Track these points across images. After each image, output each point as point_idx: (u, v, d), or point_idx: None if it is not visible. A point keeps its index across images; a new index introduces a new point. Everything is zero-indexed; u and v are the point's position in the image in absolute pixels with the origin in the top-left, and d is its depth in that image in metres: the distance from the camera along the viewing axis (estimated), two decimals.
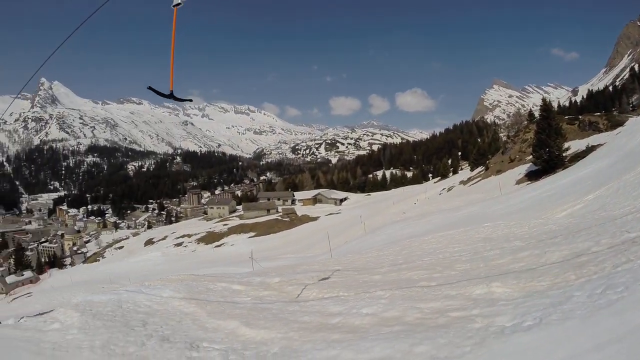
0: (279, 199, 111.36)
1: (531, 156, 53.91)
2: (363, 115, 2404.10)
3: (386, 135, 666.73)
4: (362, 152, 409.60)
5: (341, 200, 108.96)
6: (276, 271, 18.06)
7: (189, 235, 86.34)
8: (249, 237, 76.40)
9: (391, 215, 60.93)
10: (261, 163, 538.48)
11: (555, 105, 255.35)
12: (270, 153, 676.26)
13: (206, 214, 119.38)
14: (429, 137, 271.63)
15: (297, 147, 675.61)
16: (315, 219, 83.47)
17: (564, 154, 48.90)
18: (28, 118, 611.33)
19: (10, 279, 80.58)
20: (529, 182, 48.34)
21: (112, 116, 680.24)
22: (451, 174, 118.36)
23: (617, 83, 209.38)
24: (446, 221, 30.09)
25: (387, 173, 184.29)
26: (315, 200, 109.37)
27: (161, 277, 19.93)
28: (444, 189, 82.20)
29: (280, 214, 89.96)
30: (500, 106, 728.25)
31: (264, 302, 10.55)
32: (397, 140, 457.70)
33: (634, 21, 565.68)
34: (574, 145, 54.05)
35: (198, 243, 79.61)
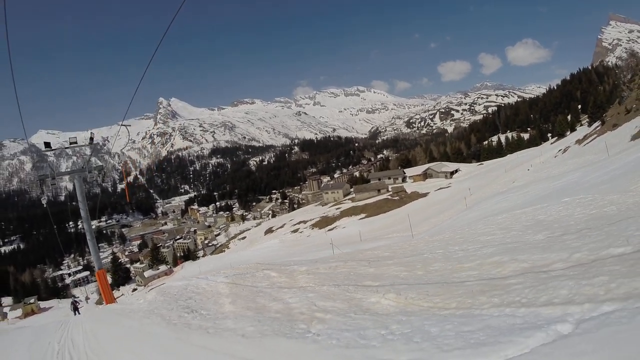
0: (389, 178, 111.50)
1: None
2: (475, 78, 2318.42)
3: (501, 96, 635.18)
4: (478, 117, 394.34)
5: (452, 173, 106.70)
6: (340, 257, 20.38)
7: (305, 222, 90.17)
8: (360, 219, 77.54)
9: (501, 185, 58.86)
10: (377, 142, 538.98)
11: None
12: (385, 130, 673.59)
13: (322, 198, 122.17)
14: (545, 91, 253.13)
15: (411, 120, 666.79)
16: (424, 195, 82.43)
17: None
18: (153, 134, 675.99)
19: (147, 273, 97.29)
20: None
21: (228, 119, 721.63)
22: (569, 132, 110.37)
23: None
24: (539, 194, 28.90)
25: (503, 137, 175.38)
26: (425, 175, 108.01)
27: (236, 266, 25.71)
28: (560, 150, 77.41)
29: (390, 193, 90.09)
30: (621, 45, 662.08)
31: (273, 287, 13.52)
32: (514, 100, 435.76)
33: None
34: None
35: (312, 228, 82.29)
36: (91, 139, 27.13)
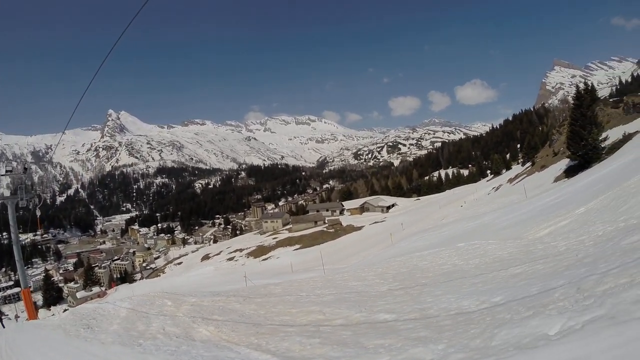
0: (327, 210, 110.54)
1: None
2: (424, 114, 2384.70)
3: (448, 132, 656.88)
4: (424, 152, 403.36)
5: (388, 207, 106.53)
6: (236, 292, 21.46)
7: (241, 250, 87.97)
8: (294, 250, 76.78)
9: (432, 222, 59.17)
10: (324, 171, 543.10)
11: (617, 82, 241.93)
12: (333, 161, 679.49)
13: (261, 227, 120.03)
14: (489, 130, 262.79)
15: (359, 152, 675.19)
16: (359, 228, 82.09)
17: (602, 145, 45.33)
18: (99, 147, 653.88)
19: (80, 294, 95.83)
20: (566, 178, 45.21)
21: (177, 138, 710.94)
22: (504, 170, 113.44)
23: None
24: (453, 234, 29.32)
25: (444, 173, 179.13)
26: (362, 209, 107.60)
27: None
28: (493, 188, 79.05)
29: (327, 225, 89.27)
30: (563, 88, 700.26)
31: (159, 314, 15.37)
32: (459, 136, 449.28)
33: None
34: (615, 134, 50.03)
35: (248, 257, 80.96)
36: (25, 168, 30.53)
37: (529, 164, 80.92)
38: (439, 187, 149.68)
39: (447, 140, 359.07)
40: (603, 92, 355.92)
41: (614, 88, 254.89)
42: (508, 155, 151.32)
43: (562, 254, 11.10)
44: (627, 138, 43.90)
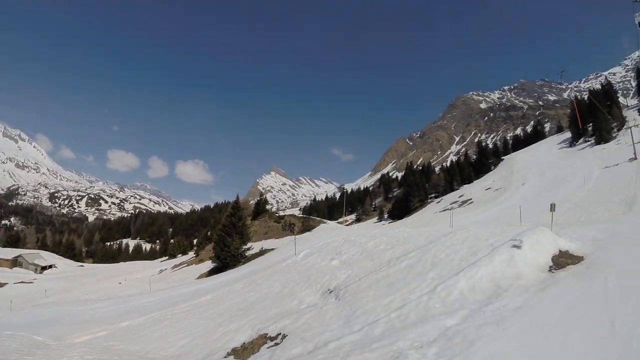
0: None
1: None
2: (139, 176, 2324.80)
3: (155, 202, 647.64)
4: (124, 214, 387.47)
5: (44, 268, 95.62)
6: None
7: None
8: None
9: (82, 294, 56.22)
10: (10, 203, 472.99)
11: (322, 197, 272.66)
12: (26, 194, 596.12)
13: None
14: (191, 210, 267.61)
15: (56, 194, 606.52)
16: (2, 285, 72.75)
17: (246, 254, 49.71)
18: None
19: None
20: (207, 276, 47.94)
21: None
22: (180, 255, 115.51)
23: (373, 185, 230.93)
24: (36, 319, 27.03)
25: (132, 243, 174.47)
26: (15, 262, 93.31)
27: None
28: (160, 270, 79.15)
29: None
30: (272, 192, 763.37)
31: None
32: (164, 209, 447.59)
33: (404, 138, 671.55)
34: (263, 246, 55.47)
35: None
36: None
37: (192, 255, 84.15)
38: (115, 256, 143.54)
39: (147, 210, 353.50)
40: (303, 203, 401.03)
41: (310, 201, 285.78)
42: (196, 240, 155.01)
43: None
44: (261, 253, 49.20)
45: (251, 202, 78.64)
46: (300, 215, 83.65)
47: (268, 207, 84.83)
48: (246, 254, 50.09)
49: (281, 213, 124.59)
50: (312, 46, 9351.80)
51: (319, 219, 77.28)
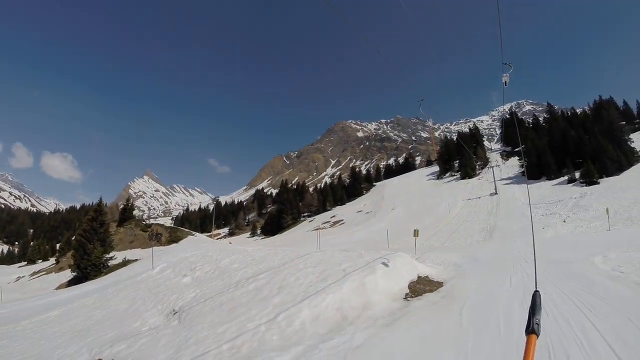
0: None
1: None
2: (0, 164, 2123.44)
3: (16, 196, 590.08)
4: None
5: None
6: None
7: None
8: None
9: None
10: None
11: (195, 207, 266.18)
12: None
13: None
14: (52, 210, 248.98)
15: None
16: None
17: (108, 264, 46.34)
18: None
19: None
20: (67, 287, 44.06)
21: None
22: (41, 260, 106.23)
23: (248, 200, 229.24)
24: None
25: None
26: None
27: None
28: (18, 277, 71.99)
29: None
30: (144, 197, 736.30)
31: None
32: (27, 206, 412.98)
33: (281, 155, 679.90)
34: (127, 256, 52.21)
35: None
36: None
37: (52, 262, 78.43)
38: None
39: (6, 205, 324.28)
40: (176, 212, 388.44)
41: (183, 211, 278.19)
42: (58, 245, 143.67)
43: None
44: (125, 263, 46.21)
45: (121, 206, 74.21)
46: (169, 225, 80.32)
47: (139, 213, 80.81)
48: (109, 264, 46.71)
49: (152, 221, 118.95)
50: (199, 61, 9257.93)
51: (187, 230, 74.53)
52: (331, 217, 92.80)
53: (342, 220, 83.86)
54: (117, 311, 15.41)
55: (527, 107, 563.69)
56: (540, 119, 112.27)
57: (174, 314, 12.56)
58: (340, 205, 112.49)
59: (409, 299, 10.48)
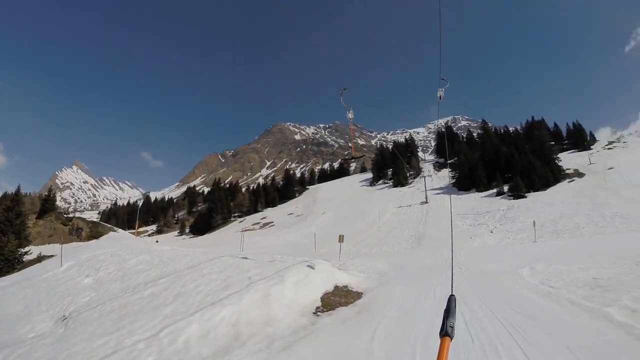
0: None
1: None
2: None
3: None
4: None
5: None
6: None
7: None
8: None
9: None
10: None
11: (124, 202, 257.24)
12: None
13: None
14: None
15: None
16: None
17: (23, 259, 43.27)
18: None
19: None
20: None
21: None
22: None
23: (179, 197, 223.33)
24: None
25: None
26: None
27: None
28: None
29: None
30: (71, 189, 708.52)
31: None
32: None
33: (217, 154, 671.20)
34: (43, 251, 49.10)
35: None
36: None
37: None
38: None
39: None
40: (103, 206, 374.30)
41: (111, 205, 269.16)
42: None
43: None
44: (40, 259, 43.48)
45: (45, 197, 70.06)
46: (91, 220, 76.53)
47: (64, 206, 76.65)
48: (23, 259, 43.63)
49: (78, 214, 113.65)
50: (142, 46, 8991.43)
51: (109, 226, 71.33)
52: (262, 219, 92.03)
53: (273, 222, 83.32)
54: (11, 314, 13.98)
55: (463, 122, 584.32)
56: (474, 134, 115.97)
57: (63, 319, 11.47)
58: (272, 207, 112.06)
59: (319, 313, 9.76)
